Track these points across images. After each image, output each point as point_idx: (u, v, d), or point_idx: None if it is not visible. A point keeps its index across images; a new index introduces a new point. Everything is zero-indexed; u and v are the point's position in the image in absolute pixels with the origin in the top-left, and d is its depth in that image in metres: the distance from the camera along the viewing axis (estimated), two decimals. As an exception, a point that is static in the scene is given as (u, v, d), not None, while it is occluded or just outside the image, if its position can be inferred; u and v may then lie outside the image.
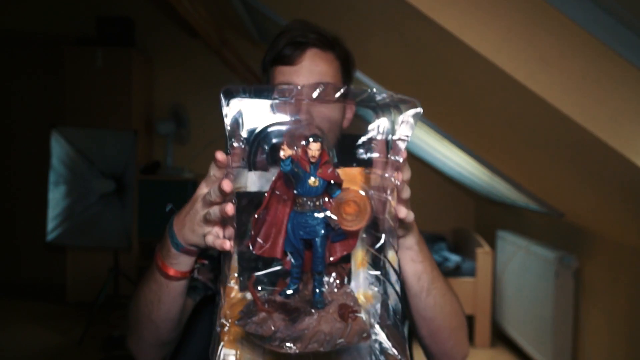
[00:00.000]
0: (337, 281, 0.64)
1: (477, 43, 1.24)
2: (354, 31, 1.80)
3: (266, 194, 0.61)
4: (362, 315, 0.60)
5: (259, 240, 0.61)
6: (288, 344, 0.56)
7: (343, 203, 0.60)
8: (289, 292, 0.62)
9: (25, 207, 4.06)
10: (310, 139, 0.59)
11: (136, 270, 3.52)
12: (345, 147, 1.07)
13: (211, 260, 0.83)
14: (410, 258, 0.75)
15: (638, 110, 1.19)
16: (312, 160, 0.59)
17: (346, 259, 0.65)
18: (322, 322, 0.59)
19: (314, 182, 0.59)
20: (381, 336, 0.63)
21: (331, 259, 0.62)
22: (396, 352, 0.61)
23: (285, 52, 0.92)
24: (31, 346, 2.93)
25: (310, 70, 0.91)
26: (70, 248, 3.60)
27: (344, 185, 0.62)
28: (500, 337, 3.09)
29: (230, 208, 0.60)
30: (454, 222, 4.01)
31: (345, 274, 0.65)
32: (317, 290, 0.61)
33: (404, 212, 0.65)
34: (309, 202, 0.59)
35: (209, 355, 0.62)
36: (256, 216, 0.61)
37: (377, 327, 0.63)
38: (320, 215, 0.59)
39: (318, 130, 0.62)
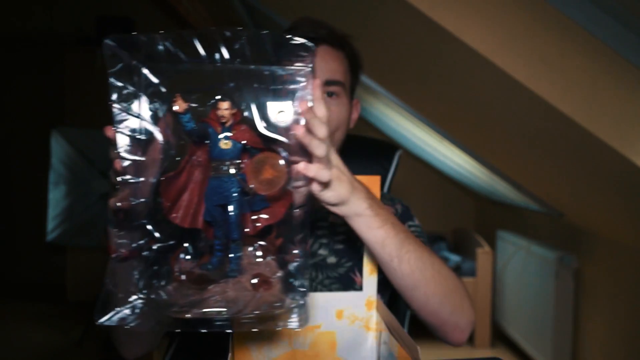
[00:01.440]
0: (259, 252, 0.59)
1: (477, 43, 1.24)
2: (353, 31, 1.80)
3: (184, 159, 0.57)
4: (278, 285, 0.56)
5: (178, 210, 0.57)
6: (186, 310, 0.53)
7: (257, 166, 0.56)
8: (209, 266, 0.57)
9: (25, 207, 4.06)
10: (217, 97, 0.54)
11: (136, 270, 3.52)
12: (348, 149, 1.07)
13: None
14: (366, 226, 0.69)
15: (638, 110, 1.19)
16: (222, 120, 0.55)
17: (270, 230, 0.60)
18: (229, 289, 0.56)
19: (226, 144, 0.55)
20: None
21: (247, 230, 0.57)
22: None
23: None
24: (31, 346, 2.94)
25: (320, 68, 0.90)
26: (70, 248, 3.60)
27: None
28: (500, 337, 3.09)
29: (117, 163, 0.55)
30: (454, 222, 4.01)
31: (274, 248, 0.59)
32: (232, 258, 0.57)
33: (302, 166, 0.57)
34: (223, 166, 0.56)
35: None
36: (162, 178, 0.56)
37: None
38: (236, 179, 0.55)
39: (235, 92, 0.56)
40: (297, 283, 0.57)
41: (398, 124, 2.94)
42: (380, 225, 0.69)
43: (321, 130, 0.58)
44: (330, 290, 0.92)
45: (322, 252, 0.94)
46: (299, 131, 0.56)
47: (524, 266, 2.73)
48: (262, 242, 0.59)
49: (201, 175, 0.57)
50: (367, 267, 0.80)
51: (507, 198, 2.89)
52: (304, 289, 0.57)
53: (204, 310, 0.53)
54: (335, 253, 0.95)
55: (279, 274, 0.58)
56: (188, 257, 0.59)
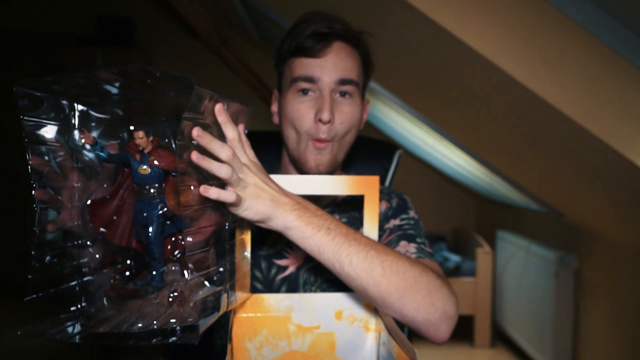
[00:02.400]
0: (185, 270, 0.62)
1: (477, 43, 1.23)
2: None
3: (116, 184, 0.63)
4: (193, 303, 0.59)
5: (115, 230, 0.62)
6: (99, 324, 0.57)
7: (173, 188, 0.60)
8: (139, 282, 0.62)
9: (25, 207, 4.06)
10: (131, 128, 0.60)
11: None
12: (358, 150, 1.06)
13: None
14: (298, 236, 0.68)
15: (638, 110, 1.19)
16: (140, 148, 0.59)
17: (202, 247, 0.63)
18: (145, 305, 0.60)
19: (145, 169, 0.60)
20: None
21: (170, 248, 0.62)
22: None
23: (309, 43, 0.86)
24: (31, 346, 2.93)
25: (335, 65, 0.86)
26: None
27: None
28: (500, 337, 3.09)
29: (36, 193, 0.60)
30: (454, 222, 4.01)
31: (200, 265, 0.62)
32: (154, 275, 0.61)
33: (202, 189, 0.58)
34: (144, 190, 0.60)
35: None
36: (89, 202, 0.62)
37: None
38: (156, 201, 0.60)
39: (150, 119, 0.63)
40: (210, 302, 0.61)
41: (398, 124, 2.94)
42: (313, 233, 0.68)
43: (224, 153, 0.60)
44: (327, 292, 0.91)
45: None
46: (193, 156, 0.57)
47: (524, 266, 2.73)
48: (185, 260, 0.62)
49: (132, 199, 0.63)
50: None
51: (507, 198, 2.89)
52: (213, 310, 0.61)
53: (117, 326, 0.57)
54: None
55: (201, 291, 0.61)
56: (127, 273, 0.64)
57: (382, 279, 0.70)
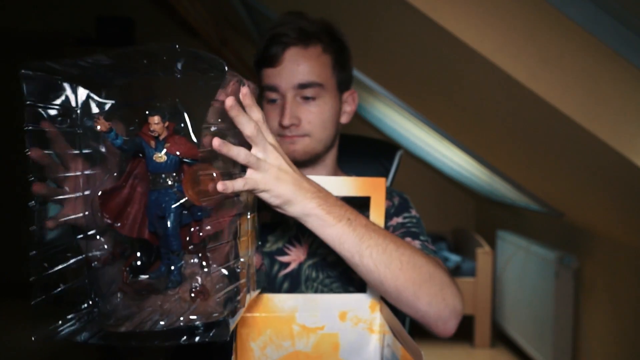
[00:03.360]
0: (204, 262, 0.59)
1: (477, 43, 1.24)
2: (354, 31, 1.80)
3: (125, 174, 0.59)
4: (216, 296, 0.57)
5: (125, 220, 0.58)
6: (120, 323, 0.54)
7: (193, 177, 0.56)
8: (153, 274, 0.58)
9: (25, 207, 4.06)
10: (147, 113, 0.55)
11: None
12: (345, 149, 1.06)
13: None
14: (319, 224, 0.67)
15: (638, 110, 1.19)
16: (155, 134, 0.55)
17: (218, 238, 0.60)
18: (166, 300, 0.57)
19: (160, 157, 0.56)
20: None
21: (188, 239, 0.58)
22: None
23: (266, 53, 0.88)
24: (31, 346, 2.93)
25: (291, 71, 0.88)
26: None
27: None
28: (500, 337, 3.09)
29: (35, 187, 0.58)
30: (454, 222, 4.01)
31: (219, 256, 0.59)
32: (172, 269, 0.57)
33: (221, 186, 0.55)
34: (160, 179, 0.56)
35: None
36: (101, 192, 0.58)
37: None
38: (173, 191, 0.56)
39: (167, 105, 0.57)
40: (235, 295, 0.58)
41: (398, 124, 2.94)
42: (334, 222, 0.67)
43: (249, 128, 0.58)
44: (331, 289, 0.91)
45: (321, 250, 0.94)
46: (215, 143, 0.55)
47: (524, 266, 2.73)
48: (206, 252, 0.59)
49: (144, 188, 0.59)
50: None
51: (507, 198, 2.89)
52: (237, 304, 0.57)
53: (140, 324, 0.54)
54: (334, 252, 0.94)
55: (221, 284, 0.58)
56: (139, 263, 0.59)
57: (399, 273, 0.70)
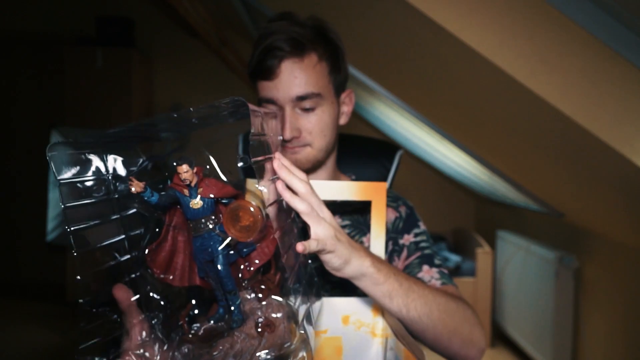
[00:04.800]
0: (260, 295, 0.60)
1: (477, 43, 1.23)
2: (353, 31, 1.80)
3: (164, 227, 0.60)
4: (282, 325, 0.58)
5: (174, 272, 0.59)
6: None
7: (232, 215, 0.57)
8: (215, 317, 0.59)
9: (25, 207, 4.06)
10: (174, 164, 0.56)
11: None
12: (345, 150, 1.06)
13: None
14: (372, 283, 0.69)
15: (638, 110, 1.19)
16: (186, 182, 0.56)
17: (267, 268, 0.62)
18: (235, 342, 0.57)
19: (197, 203, 0.57)
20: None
21: (241, 276, 0.58)
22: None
23: (262, 65, 0.86)
24: (31, 346, 2.93)
25: (288, 84, 0.86)
26: (70, 248, 3.60)
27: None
28: (500, 337, 3.09)
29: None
30: (454, 222, 4.01)
31: (272, 285, 0.61)
32: (233, 309, 0.58)
33: (300, 247, 0.59)
34: (201, 225, 0.57)
35: None
36: (147, 250, 0.59)
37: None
38: (216, 233, 0.57)
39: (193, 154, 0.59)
40: (301, 319, 0.58)
41: (398, 124, 2.94)
42: (385, 279, 0.70)
43: (302, 187, 0.62)
44: (332, 294, 0.91)
45: None
46: (278, 186, 0.58)
47: (524, 266, 2.73)
48: (260, 285, 0.60)
49: (186, 236, 0.60)
50: None
51: (507, 198, 2.89)
52: (309, 324, 0.58)
53: None
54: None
55: (281, 312, 0.59)
56: (196, 311, 0.61)
57: (438, 322, 0.74)
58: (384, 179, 1.21)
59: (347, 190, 0.77)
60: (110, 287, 0.59)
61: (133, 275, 0.60)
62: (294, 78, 0.86)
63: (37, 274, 4.11)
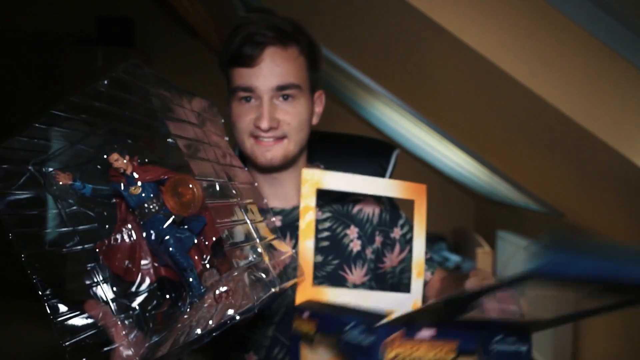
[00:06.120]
0: (221, 269, 0.60)
1: (477, 43, 1.23)
2: (353, 31, 1.80)
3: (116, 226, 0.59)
4: (243, 289, 0.57)
5: (137, 272, 0.58)
6: (155, 351, 0.54)
7: (173, 193, 0.57)
8: (184, 306, 0.59)
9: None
10: (104, 156, 0.56)
11: (136, 270, 3.53)
12: (318, 147, 1.07)
13: None
14: None
15: (638, 110, 1.19)
16: (121, 171, 0.56)
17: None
18: (194, 314, 0.57)
19: (135, 189, 0.56)
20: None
21: (202, 247, 0.58)
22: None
23: (242, 52, 0.84)
24: (31, 346, 2.94)
25: (270, 71, 0.85)
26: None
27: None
28: (500, 337, 3.09)
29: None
30: (454, 222, 4.01)
31: (235, 257, 0.59)
32: (191, 283, 0.58)
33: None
34: (145, 210, 0.57)
35: None
36: (97, 250, 0.58)
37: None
38: (160, 214, 0.57)
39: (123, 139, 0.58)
40: (260, 275, 0.58)
41: (398, 123, 2.94)
42: None
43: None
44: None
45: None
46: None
47: (524, 266, 2.72)
48: (221, 260, 0.60)
49: (136, 228, 0.59)
50: (415, 270, 0.80)
51: (507, 198, 2.89)
52: (266, 276, 0.57)
53: (176, 340, 0.54)
54: (321, 251, 0.93)
55: (247, 276, 0.58)
56: (171, 305, 0.60)
57: None
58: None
59: (391, 187, 0.78)
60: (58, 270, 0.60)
61: (88, 267, 0.59)
62: (276, 66, 0.85)
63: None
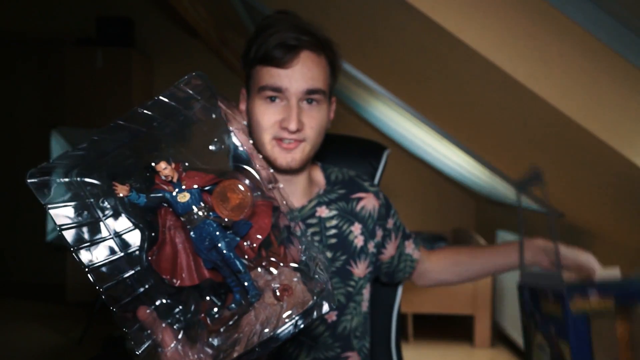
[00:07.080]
0: (270, 268, 0.61)
1: (477, 43, 1.24)
2: (353, 31, 1.80)
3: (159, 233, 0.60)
4: (299, 286, 0.59)
5: (180, 274, 0.59)
6: (230, 351, 0.56)
7: (220, 198, 0.58)
8: (233, 305, 0.61)
9: (25, 207, 4.07)
10: (153, 164, 0.57)
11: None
12: (332, 148, 1.11)
13: None
14: None
15: (638, 110, 1.19)
16: (169, 179, 0.57)
17: (269, 243, 0.63)
18: (259, 312, 0.59)
19: (184, 196, 0.58)
20: None
21: (247, 257, 0.60)
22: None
23: (276, 53, 0.86)
24: (31, 346, 2.94)
25: (302, 75, 0.87)
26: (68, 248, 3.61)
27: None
28: (500, 337, 3.09)
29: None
30: (454, 222, 4.01)
31: (279, 257, 0.62)
32: (247, 286, 0.59)
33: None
34: (193, 216, 0.58)
35: None
36: (150, 258, 0.60)
37: None
38: (210, 220, 0.58)
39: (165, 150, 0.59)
40: (313, 274, 0.60)
41: (398, 123, 2.94)
42: None
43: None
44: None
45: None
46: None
47: (524, 266, 2.72)
48: (269, 259, 0.61)
49: (183, 235, 0.60)
50: None
51: (507, 198, 2.89)
52: (322, 275, 0.59)
53: (248, 342, 0.56)
54: (330, 248, 0.98)
55: (296, 277, 0.61)
56: (215, 309, 0.62)
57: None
58: (372, 178, 1.25)
59: None
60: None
61: (147, 286, 0.61)
62: (308, 70, 0.88)
63: (37, 274, 4.11)
